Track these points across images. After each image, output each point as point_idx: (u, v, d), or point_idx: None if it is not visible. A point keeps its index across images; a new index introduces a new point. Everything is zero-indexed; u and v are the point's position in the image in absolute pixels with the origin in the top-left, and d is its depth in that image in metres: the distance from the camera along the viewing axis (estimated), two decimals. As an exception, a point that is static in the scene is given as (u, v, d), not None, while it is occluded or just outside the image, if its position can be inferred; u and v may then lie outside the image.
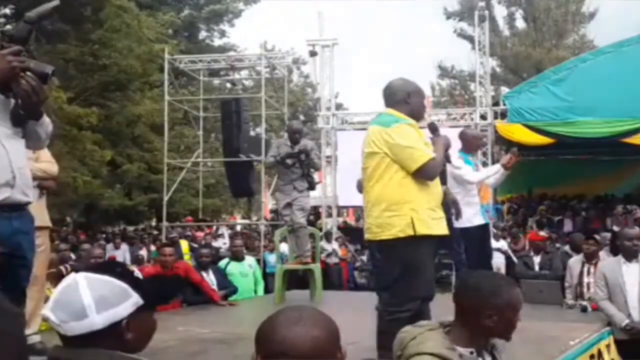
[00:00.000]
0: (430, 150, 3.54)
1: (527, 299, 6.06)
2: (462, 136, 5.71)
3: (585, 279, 5.92)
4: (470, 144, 5.66)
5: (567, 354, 4.01)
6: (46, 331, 3.52)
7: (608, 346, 4.77)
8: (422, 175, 3.44)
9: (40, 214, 3.56)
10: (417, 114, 3.66)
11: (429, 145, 3.59)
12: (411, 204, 3.41)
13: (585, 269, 5.97)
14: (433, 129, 3.83)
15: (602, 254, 6.89)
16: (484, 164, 11.89)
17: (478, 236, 5.40)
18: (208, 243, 12.66)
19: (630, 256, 5.00)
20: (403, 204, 3.41)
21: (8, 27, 17.98)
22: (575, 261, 6.16)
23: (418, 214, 3.40)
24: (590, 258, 5.99)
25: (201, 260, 6.77)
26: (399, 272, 3.42)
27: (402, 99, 3.62)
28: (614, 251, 5.99)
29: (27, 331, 3.26)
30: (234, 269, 7.13)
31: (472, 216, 5.31)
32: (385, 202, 3.45)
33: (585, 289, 5.89)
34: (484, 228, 5.50)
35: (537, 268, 7.14)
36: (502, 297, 2.20)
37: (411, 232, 3.37)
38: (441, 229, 3.54)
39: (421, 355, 2.08)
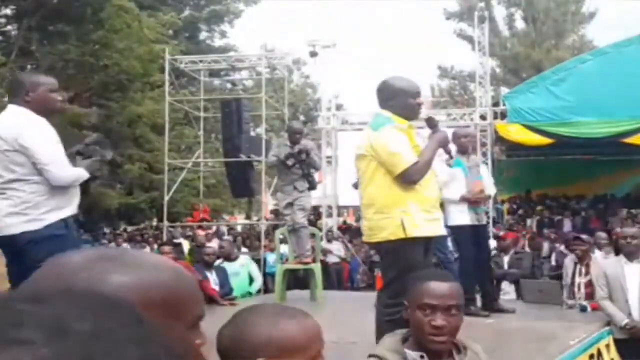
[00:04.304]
0: (414, 154, 3.47)
1: (527, 298, 6.15)
2: (452, 137, 5.71)
3: (577, 279, 5.93)
4: (460, 145, 5.58)
5: (566, 354, 4.03)
6: None
7: (607, 346, 4.78)
8: (403, 180, 3.41)
9: None
10: (405, 114, 3.55)
11: (417, 148, 3.54)
12: (402, 207, 3.40)
13: (577, 270, 5.97)
14: (432, 124, 3.74)
15: (599, 253, 6.90)
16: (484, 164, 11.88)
17: (470, 235, 5.40)
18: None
19: (630, 255, 5.01)
20: (393, 207, 3.40)
21: (9, 27, 18.01)
22: (569, 260, 6.17)
23: (409, 215, 3.38)
24: (582, 259, 5.99)
25: (206, 258, 6.78)
26: (393, 273, 3.43)
27: (385, 99, 3.59)
28: (617, 251, 6.01)
29: None
30: (226, 269, 7.13)
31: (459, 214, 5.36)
32: (376, 205, 3.46)
33: (576, 289, 5.90)
34: (475, 229, 5.46)
35: (505, 267, 7.41)
36: (409, 292, 2.18)
37: (402, 235, 3.37)
38: (435, 229, 3.53)
39: (368, 357, 2.18)
